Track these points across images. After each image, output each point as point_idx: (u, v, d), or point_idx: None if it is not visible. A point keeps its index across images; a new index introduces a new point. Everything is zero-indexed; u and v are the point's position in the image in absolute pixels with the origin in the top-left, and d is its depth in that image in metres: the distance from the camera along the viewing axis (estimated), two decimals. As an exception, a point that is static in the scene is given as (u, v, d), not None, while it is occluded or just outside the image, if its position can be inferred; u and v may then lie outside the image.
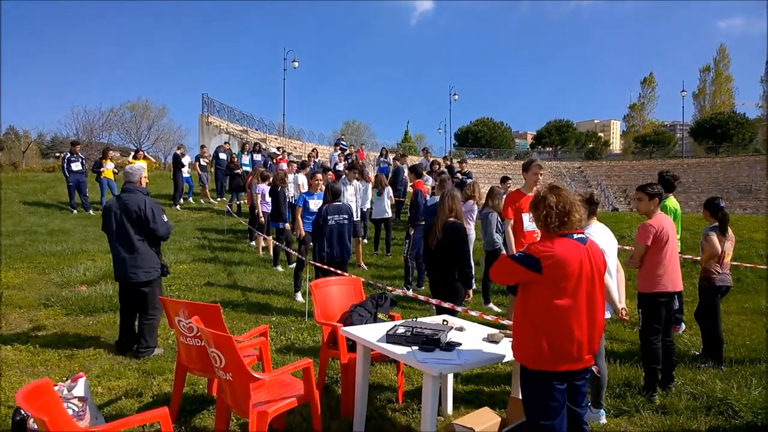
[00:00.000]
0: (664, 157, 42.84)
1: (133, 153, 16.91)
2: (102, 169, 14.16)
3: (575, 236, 2.85)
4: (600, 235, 4.05)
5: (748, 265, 8.40)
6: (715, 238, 5.23)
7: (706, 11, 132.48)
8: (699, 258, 5.40)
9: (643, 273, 4.59)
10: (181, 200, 16.07)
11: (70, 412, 3.33)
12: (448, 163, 16.28)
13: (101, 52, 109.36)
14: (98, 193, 14.65)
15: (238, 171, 14.63)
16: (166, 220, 5.40)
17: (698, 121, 48.06)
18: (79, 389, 3.55)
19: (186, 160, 16.08)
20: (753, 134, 45.63)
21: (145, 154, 15.45)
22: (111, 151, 16.62)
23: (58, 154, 31.94)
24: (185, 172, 15.99)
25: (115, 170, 14.48)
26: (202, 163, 16.43)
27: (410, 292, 7.03)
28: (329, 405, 4.21)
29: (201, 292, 7.77)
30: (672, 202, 6.12)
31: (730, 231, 5.41)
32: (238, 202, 14.48)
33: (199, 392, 4.44)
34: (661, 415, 4.15)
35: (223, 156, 16.22)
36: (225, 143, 18.64)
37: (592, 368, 2.91)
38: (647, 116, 56.77)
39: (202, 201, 16.51)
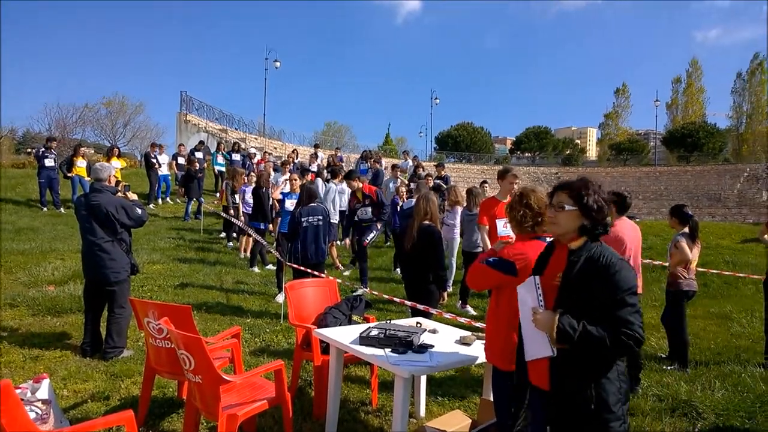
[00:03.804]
0: (638, 164, 43.73)
1: (106, 150, 16.61)
2: (74, 167, 13.87)
3: (548, 239, 2.90)
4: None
5: (715, 271, 8.63)
6: (685, 244, 5.35)
7: (683, 22, 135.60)
8: (668, 264, 5.52)
9: None
10: (159, 200, 15.86)
11: (33, 415, 3.25)
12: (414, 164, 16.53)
13: (77, 46, 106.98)
14: (70, 190, 14.36)
15: (200, 174, 14.36)
16: (140, 212, 5.32)
17: (670, 131, 49.13)
18: (43, 391, 3.48)
19: (164, 158, 15.85)
20: (723, 144, 46.85)
21: (120, 151, 15.11)
22: (84, 148, 16.28)
23: (30, 150, 31.20)
24: (164, 170, 15.78)
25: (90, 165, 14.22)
26: (180, 161, 16.22)
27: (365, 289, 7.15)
28: (302, 407, 4.19)
29: (174, 293, 7.67)
30: None
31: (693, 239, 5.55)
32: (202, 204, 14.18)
33: (168, 395, 4.38)
34: (628, 416, 4.22)
35: (199, 155, 16.05)
36: (199, 143, 18.46)
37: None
38: (621, 125, 57.83)
39: (178, 200, 16.30)
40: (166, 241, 11.22)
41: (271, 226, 9.34)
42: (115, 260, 5.16)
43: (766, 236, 5.79)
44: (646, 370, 5.06)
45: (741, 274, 8.37)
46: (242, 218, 10.44)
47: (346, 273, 9.10)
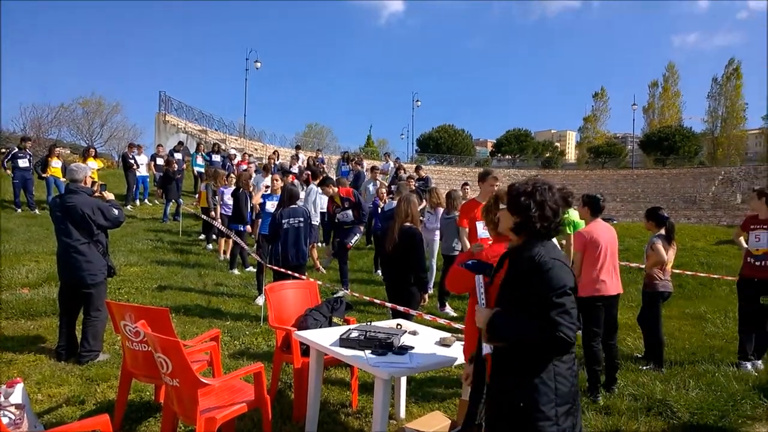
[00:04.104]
0: (616, 167, 44.34)
1: (82, 151, 16.30)
2: (49, 167, 13.60)
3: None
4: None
5: (690, 272, 8.80)
6: (661, 246, 5.45)
7: (662, 26, 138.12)
8: (644, 265, 5.62)
9: (582, 278, 4.75)
10: (137, 201, 15.64)
11: (6, 420, 3.19)
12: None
13: (53, 45, 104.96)
14: (45, 191, 14.07)
15: (178, 175, 14.19)
16: (117, 213, 5.24)
17: (647, 134, 49.93)
18: (17, 396, 3.40)
19: (142, 159, 15.64)
20: (698, 147, 47.74)
21: (96, 152, 14.84)
22: (59, 149, 15.99)
23: (3, 150, 30.51)
24: (143, 171, 15.56)
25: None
26: (158, 162, 16.02)
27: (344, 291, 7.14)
28: (282, 410, 4.17)
29: (152, 296, 7.57)
30: (571, 215, 6.35)
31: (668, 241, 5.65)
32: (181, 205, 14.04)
33: (145, 399, 4.32)
34: (604, 416, 4.29)
35: (178, 156, 15.88)
36: (179, 143, 18.27)
37: None
38: (600, 128, 58.65)
39: (156, 202, 16.09)
40: (144, 243, 11.07)
41: (249, 227, 9.26)
42: (92, 262, 5.08)
43: (740, 238, 5.92)
44: (622, 370, 5.14)
45: (715, 275, 8.54)
46: (219, 220, 10.35)
47: (327, 264, 9.01)
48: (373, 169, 13.73)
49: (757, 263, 5.46)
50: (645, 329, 5.73)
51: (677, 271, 7.34)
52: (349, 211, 8.02)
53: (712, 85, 53.50)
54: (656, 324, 5.55)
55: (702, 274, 8.83)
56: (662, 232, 5.56)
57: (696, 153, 46.43)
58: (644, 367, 5.42)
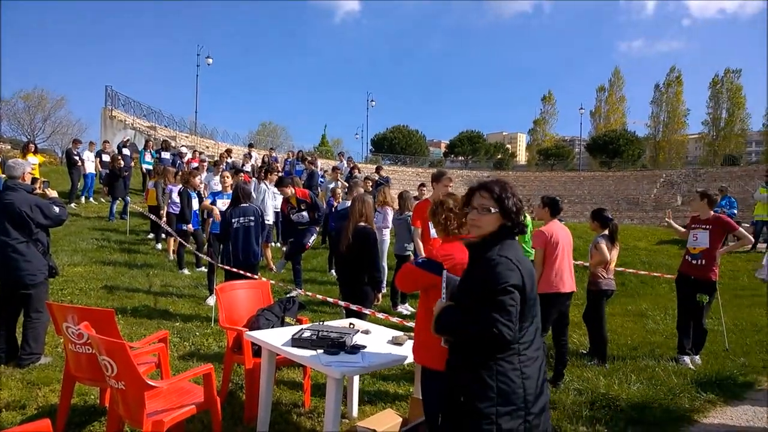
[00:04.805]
0: (564, 169, 45.75)
1: (22, 146, 15.53)
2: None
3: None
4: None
5: (632, 271, 9.18)
6: (604, 245, 5.66)
7: (609, 32, 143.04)
8: (588, 264, 5.83)
9: (540, 276, 4.91)
10: (82, 199, 15.04)
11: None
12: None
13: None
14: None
15: (126, 173, 13.74)
16: (58, 211, 5.04)
17: (593, 138, 51.74)
18: (-51, 403, 3.24)
19: (88, 155, 15.03)
20: (641, 151, 49.81)
21: (36, 147, 14.14)
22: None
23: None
24: (89, 168, 14.96)
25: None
26: (105, 159, 15.44)
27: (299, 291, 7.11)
28: (233, 411, 4.12)
29: (97, 297, 7.32)
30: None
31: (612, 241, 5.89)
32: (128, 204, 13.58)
33: (90, 403, 4.18)
34: (550, 410, 4.42)
35: (126, 152, 15.36)
36: (125, 138, 17.69)
37: None
38: (549, 131, 60.40)
39: (102, 200, 15.51)
40: (89, 242, 10.67)
41: (189, 226, 9.03)
42: (31, 262, 4.87)
43: (672, 221, 6.28)
44: (568, 366, 5.32)
45: (656, 274, 8.95)
46: (165, 218, 10.09)
47: (279, 271, 8.92)
48: (334, 169, 14.11)
49: (694, 261, 5.75)
50: (590, 326, 5.94)
51: (620, 269, 7.66)
52: (305, 213, 7.95)
53: (654, 91, 56.08)
54: (600, 321, 5.77)
55: (643, 273, 9.24)
56: (606, 232, 5.79)
57: (639, 156, 48.43)
58: (589, 363, 5.62)
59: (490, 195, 2.32)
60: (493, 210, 2.30)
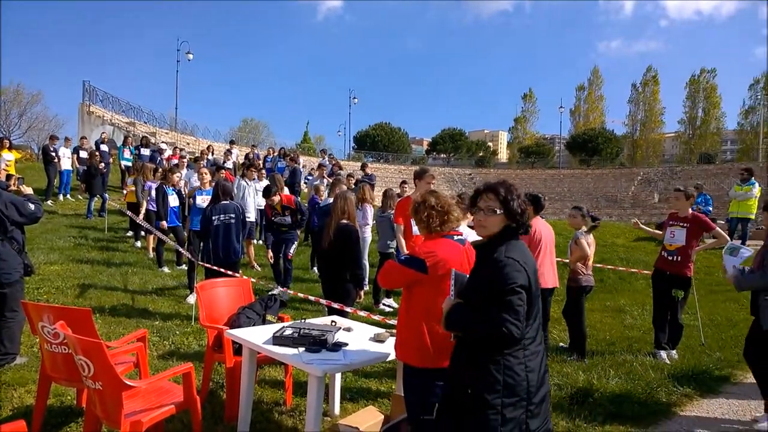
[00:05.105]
0: (544, 167, 46.22)
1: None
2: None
3: (455, 237, 3.01)
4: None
5: (610, 267, 9.31)
6: (584, 241, 5.73)
7: (589, 32, 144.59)
8: (568, 260, 5.89)
9: None
10: (60, 196, 14.75)
11: None
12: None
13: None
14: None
15: (104, 170, 13.50)
16: (33, 208, 4.94)
17: (573, 136, 52.33)
18: None
19: (65, 152, 14.74)
20: (619, 149, 50.53)
21: (11, 143, 13.81)
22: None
23: None
24: (66, 164, 14.67)
25: None
26: (82, 155, 15.17)
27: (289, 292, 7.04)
28: (213, 411, 4.08)
29: (74, 296, 7.20)
30: None
31: (591, 236, 5.96)
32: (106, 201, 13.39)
33: (66, 404, 4.11)
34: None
35: (104, 149, 15.11)
36: (102, 134, 17.38)
37: None
38: (529, 129, 60.91)
39: (80, 197, 15.24)
40: (66, 240, 10.47)
41: (163, 224, 8.87)
42: (5, 260, 4.76)
43: (642, 226, 6.43)
44: (548, 361, 5.37)
45: (633, 270, 9.10)
46: (142, 216, 9.94)
47: (258, 268, 8.80)
48: (320, 166, 14.38)
49: (670, 258, 5.84)
50: (569, 322, 6.01)
51: (599, 266, 7.77)
52: (288, 217, 7.88)
53: (631, 90, 56.91)
54: (580, 317, 5.84)
55: (621, 269, 9.38)
56: (586, 229, 5.86)
57: (617, 154, 49.13)
58: (569, 358, 5.69)
59: (495, 197, 2.42)
60: (498, 211, 2.40)
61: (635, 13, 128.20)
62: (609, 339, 6.56)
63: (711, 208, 13.81)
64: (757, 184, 12.72)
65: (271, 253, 7.86)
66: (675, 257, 5.80)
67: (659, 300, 5.93)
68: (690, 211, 5.92)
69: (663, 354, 5.78)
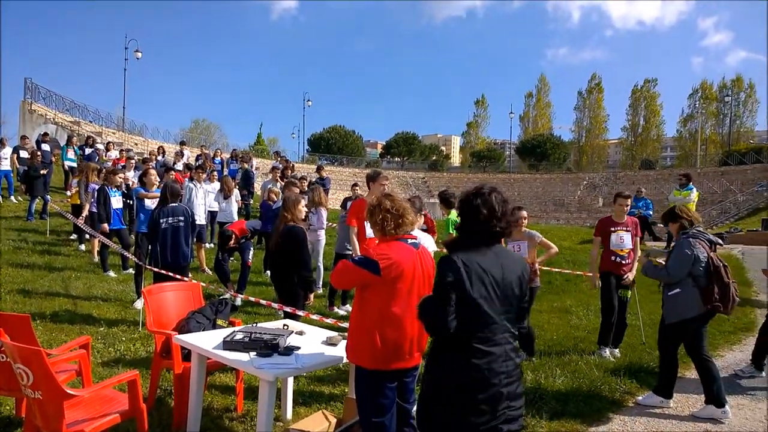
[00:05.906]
0: (495, 171, 47.28)
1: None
2: None
3: (409, 241, 3.05)
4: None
5: (557, 269, 9.61)
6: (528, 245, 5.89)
7: (538, 40, 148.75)
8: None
9: None
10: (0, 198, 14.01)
11: None
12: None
13: None
14: None
15: (42, 171, 12.86)
16: None
17: (522, 141, 53.76)
18: None
19: (6, 152, 14.01)
20: (566, 155, 52.23)
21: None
22: None
23: None
24: (5, 165, 13.95)
25: None
26: (23, 155, 14.45)
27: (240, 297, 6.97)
28: (161, 418, 3.98)
29: (13, 301, 6.88)
30: (453, 215, 6.79)
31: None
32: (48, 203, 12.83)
33: (5, 414, 3.94)
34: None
35: (46, 148, 14.45)
36: (44, 134, 16.61)
37: None
38: (481, 134, 62.15)
39: (20, 198, 14.51)
40: (4, 244, 9.98)
41: (104, 226, 8.53)
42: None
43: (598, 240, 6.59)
44: (498, 362, 5.50)
45: (579, 272, 9.41)
46: (83, 218, 9.58)
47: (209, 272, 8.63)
48: (273, 169, 14.25)
49: (624, 262, 6.01)
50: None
51: (546, 268, 8.00)
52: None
53: (577, 97, 58.94)
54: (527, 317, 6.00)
55: (567, 271, 9.69)
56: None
57: (564, 159, 50.80)
58: (517, 358, 5.82)
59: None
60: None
61: (582, 22, 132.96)
62: (556, 339, 6.76)
63: (651, 212, 14.46)
64: (694, 189, 13.39)
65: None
66: (626, 260, 6.03)
67: (609, 301, 6.05)
68: (627, 216, 6.19)
69: (606, 351, 6.00)
